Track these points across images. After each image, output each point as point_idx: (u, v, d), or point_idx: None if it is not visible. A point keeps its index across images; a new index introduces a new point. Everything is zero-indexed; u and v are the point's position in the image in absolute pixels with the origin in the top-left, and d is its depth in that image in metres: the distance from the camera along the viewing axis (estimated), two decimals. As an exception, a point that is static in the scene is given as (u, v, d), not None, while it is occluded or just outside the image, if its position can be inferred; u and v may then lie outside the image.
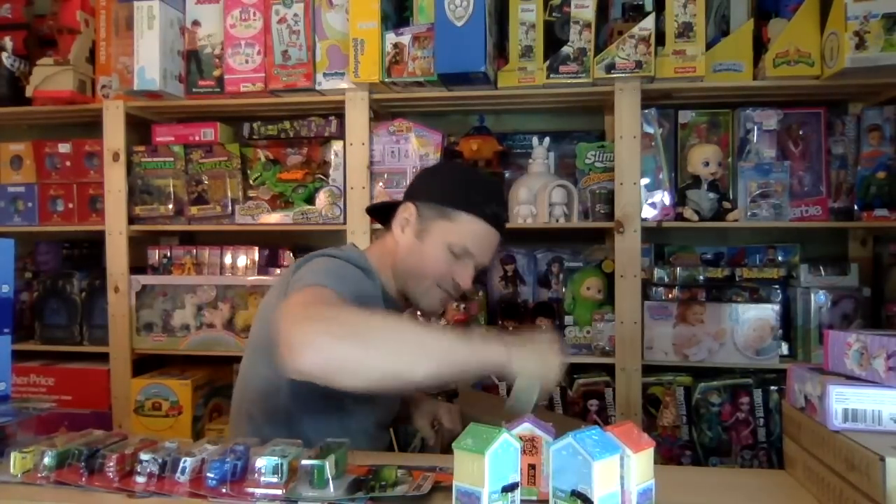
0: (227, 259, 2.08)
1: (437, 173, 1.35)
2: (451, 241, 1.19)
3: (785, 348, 1.89)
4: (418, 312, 1.35)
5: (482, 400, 1.65)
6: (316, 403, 1.16)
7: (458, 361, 0.94)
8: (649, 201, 1.92)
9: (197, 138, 2.10)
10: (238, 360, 1.33)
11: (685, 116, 1.96)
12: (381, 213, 1.34)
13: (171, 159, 2.09)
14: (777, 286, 1.90)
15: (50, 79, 2.04)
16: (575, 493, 0.68)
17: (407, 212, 1.24)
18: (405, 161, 1.97)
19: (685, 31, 1.78)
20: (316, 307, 0.96)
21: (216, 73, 2.00)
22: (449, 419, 1.37)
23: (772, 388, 1.85)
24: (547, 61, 1.84)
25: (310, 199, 2.00)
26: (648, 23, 1.77)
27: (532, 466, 0.70)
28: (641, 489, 0.71)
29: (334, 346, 0.88)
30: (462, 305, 1.97)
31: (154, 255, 2.11)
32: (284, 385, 1.15)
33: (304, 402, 1.16)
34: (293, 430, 1.12)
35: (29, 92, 2.06)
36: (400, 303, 1.28)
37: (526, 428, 0.72)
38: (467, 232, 1.20)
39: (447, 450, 1.35)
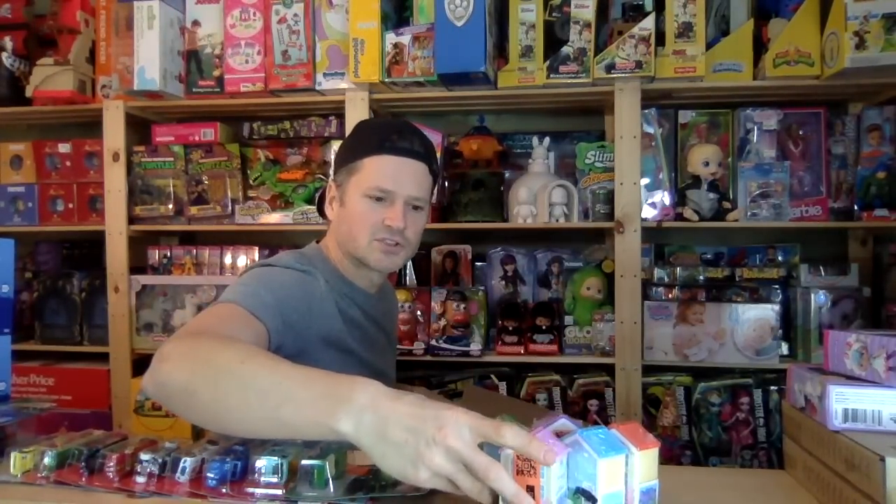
0: (227, 259, 2.08)
1: (341, 144, 1.35)
2: (364, 189, 1.18)
3: (785, 348, 1.89)
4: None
5: (489, 400, 1.64)
6: None
7: (286, 422, 0.72)
8: (649, 201, 1.92)
9: (197, 138, 2.10)
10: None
11: (685, 116, 1.96)
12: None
13: (171, 159, 2.09)
14: (777, 286, 1.90)
15: (50, 79, 2.04)
16: (579, 491, 0.68)
17: (330, 190, 1.26)
18: (405, 161, 1.97)
19: (685, 31, 1.78)
20: (190, 334, 0.90)
21: (216, 73, 2.00)
22: None
23: (772, 388, 1.85)
24: (547, 61, 1.84)
25: (310, 199, 2.00)
26: (648, 23, 1.77)
27: (531, 488, 0.68)
28: (645, 488, 0.71)
29: (168, 377, 0.81)
30: (462, 305, 1.97)
31: (154, 255, 2.12)
32: None
33: None
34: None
35: (29, 92, 2.06)
36: (365, 283, 1.26)
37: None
38: (373, 172, 1.18)
39: None
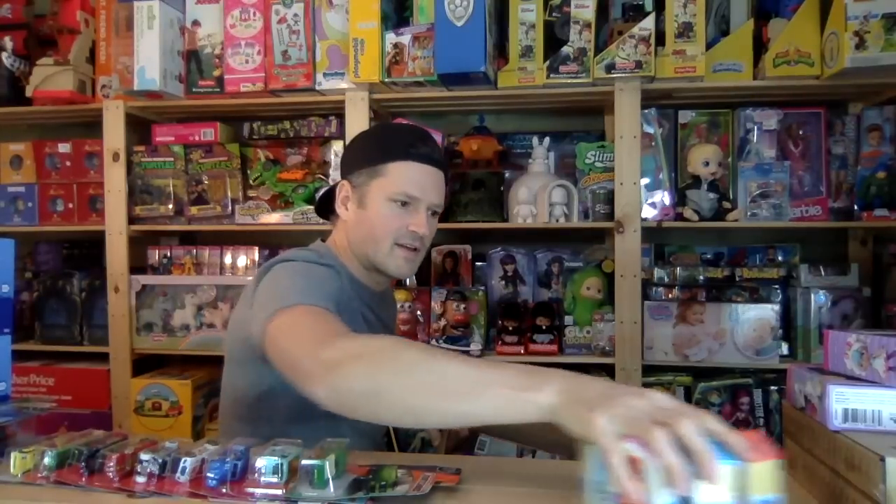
0: (227, 259, 2.08)
1: (355, 142, 1.33)
2: (389, 193, 1.18)
3: (785, 348, 1.89)
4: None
5: None
6: (300, 412, 1.13)
7: (486, 405, 0.74)
8: (649, 201, 1.92)
9: (197, 138, 2.10)
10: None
11: (685, 116, 1.96)
12: (328, 207, 1.33)
13: (171, 159, 2.09)
14: (777, 286, 1.90)
15: (50, 79, 2.04)
16: (683, 501, 0.63)
17: (343, 190, 1.24)
18: (405, 161, 1.97)
19: (685, 31, 1.78)
20: (317, 333, 0.91)
21: (216, 73, 2.00)
22: None
23: (772, 388, 1.85)
24: (547, 61, 1.84)
25: (310, 199, 2.00)
26: (648, 23, 1.77)
27: None
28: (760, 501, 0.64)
29: (349, 381, 0.81)
30: (462, 305, 1.97)
31: (154, 255, 2.12)
32: (264, 397, 1.13)
33: (287, 412, 1.14)
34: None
35: (29, 92, 2.06)
36: (371, 283, 1.26)
37: (631, 447, 0.63)
38: (401, 177, 1.18)
39: (452, 451, 1.34)
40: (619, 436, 0.63)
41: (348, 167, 1.26)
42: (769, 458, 0.66)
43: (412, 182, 1.19)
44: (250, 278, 1.98)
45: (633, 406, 0.65)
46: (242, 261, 2.07)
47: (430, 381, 0.77)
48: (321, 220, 1.37)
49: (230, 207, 2.06)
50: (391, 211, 1.18)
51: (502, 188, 2.02)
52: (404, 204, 1.19)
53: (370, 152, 1.23)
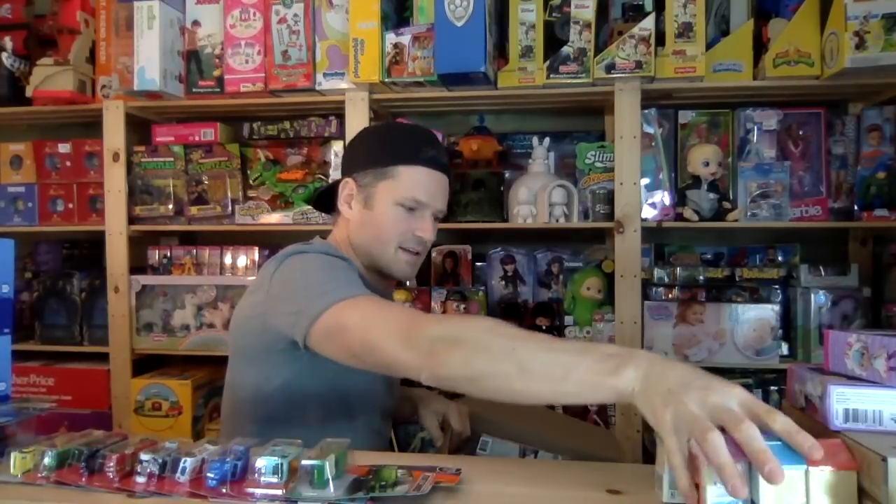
0: (227, 259, 2.08)
1: (361, 140, 1.31)
2: (398, 198, 1.18)
3: (785, 348, 1.89)
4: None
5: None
6: (318, 408, 1.13)
7: (569, 391, 0.78)
8: (649, 201, 1.92)
9: (197, 138, 2.10)
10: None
11: (685, 116, 1.96)
12: (327, 202, 1.32)
13: (171, 159, 2.09)
14: (777, 286, 1.90)
15: (50, 79, 2.04)
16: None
17: (347, 188, 1.24)
18: (405, 161, 1.97)
19: (685, 31, 1.78)
20: (400, 321, 0.93)
21: (216, 73, 2.00)
22: (458, 420, 1.33)
23: (772, 388, 1.85)
24: (547, 61, 1.84)
25: (310, 200, 2.00)
26: (648, 23, 1.77)
27: (695, 486, 0.63)
28: None
29: (448, 369, 0.86)
30: (462, 306, 1.97)
31: (154, 255, 2.12)
32: (279, 393, 1.12)
33: (304, 408, 1.13)
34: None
35: (29, 92, 2.06)
36: (373, 281, 1.26)
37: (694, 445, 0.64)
38: (410, 182, 1.18)
39: (455, 451, 1.34)
40: (684, 434, 0.65)
41: (353, 165, 1.25)
42: (837, 466, 0.66)
43: (421, 187, 1.19)
44: (251, 278, 2.00)
45: (704, 402, 0.66)
46: (242, 261, 2.07)
47: (520, 367, 0.81)
48: (321, 221, 1.36)
49: (230, 207, 2.06)
50: (398, 215, 1.19)
51: (502, 188, 2.02)
52: (411, 209, 1.19)
53: (378, 153, 1.22)
